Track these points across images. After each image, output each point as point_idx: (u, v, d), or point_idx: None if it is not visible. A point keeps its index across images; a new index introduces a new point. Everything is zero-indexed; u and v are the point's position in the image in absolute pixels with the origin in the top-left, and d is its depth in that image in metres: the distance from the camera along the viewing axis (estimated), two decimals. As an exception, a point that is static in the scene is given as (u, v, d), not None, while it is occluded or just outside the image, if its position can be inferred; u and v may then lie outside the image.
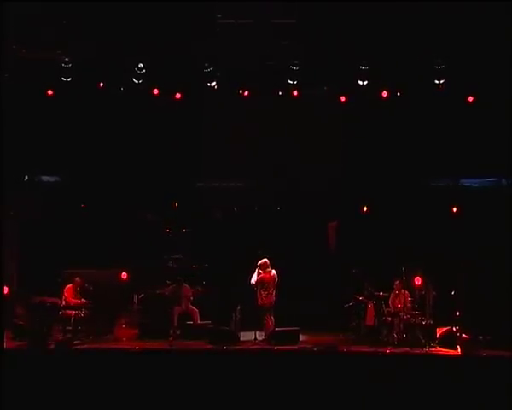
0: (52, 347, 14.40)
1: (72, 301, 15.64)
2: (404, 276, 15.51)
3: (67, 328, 15.41)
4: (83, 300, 15.77)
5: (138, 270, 17.43)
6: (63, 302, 15.61)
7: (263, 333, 15.50)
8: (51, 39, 16.13)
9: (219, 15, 15.80)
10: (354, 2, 15.24)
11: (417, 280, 15.78)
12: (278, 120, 18.38)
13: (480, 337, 14.76)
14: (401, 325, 15.15)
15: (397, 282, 15.65)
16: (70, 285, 15.81)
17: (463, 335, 14.71)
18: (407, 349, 14.60)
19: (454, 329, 14.92)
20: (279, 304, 15.77)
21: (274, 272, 15.62)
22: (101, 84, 17.19)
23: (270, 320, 15.53)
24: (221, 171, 18.93)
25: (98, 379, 13.12)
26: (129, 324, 16.83)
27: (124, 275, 17.16)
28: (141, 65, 16.60)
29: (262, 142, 18.49)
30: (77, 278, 15.87)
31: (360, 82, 16.59)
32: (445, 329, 15.13)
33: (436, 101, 17.22)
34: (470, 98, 17.04)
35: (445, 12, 15.17)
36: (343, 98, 17.74)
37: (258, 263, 15.63)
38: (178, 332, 15.85)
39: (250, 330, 15.45)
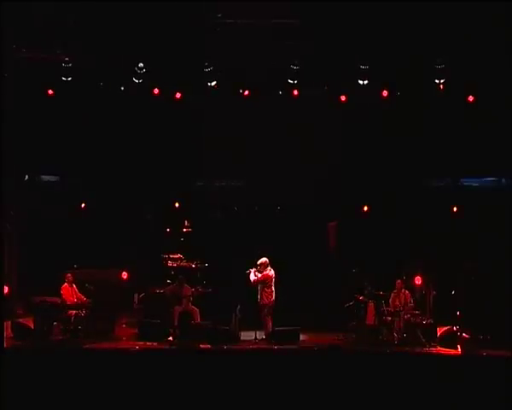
0: (52, 347, 14.39)
1: (70, 299, 15.64)
2: (405, 275, 15.51)
3: (68, 328, 15.40)
4: (81, 295, 15.77)
5: (138, 270, 17.43)
6: (61, 302, 15.58)
7: (263, 333, 15.49)
8: (51, 39, 16.13)
9: (219, 15, 15.81)
10: (354, 3, 15.25)
11: (417, 280, 15.81)
12: (278, 119, 18.36)
13: (480, 337, 14.78)
14: (401, 325, 15.16)
15: (398, 281, 15.65)
16: (65, 284, 15.82)
17: (464, 334, 14.73)
18: (407, 349, 14.61)
19: (454, 328, 14.95)
20: (279, 304, 15.77)
21: (273, 271, 15.63)
22: (102, 84, 17.19)
23: (270, 320, 15.54)
24: (221, 170, 18.94)
25: (98, 379, 13.11)
26: (129, 323, 16.87)
27: (124, 275, 17.16)
28: (141, 64, 16.59)
29: (262, 141, 18.47)
30: (68, 275, 15.87)
31: (360, 82, 16.59)
32: (445, 328, 15.15)
33: (436, 101, 17.22)
34: (470, 98, 17.03)
35: (445, 12, 15.17)
36: (343, 98, 17.72)
37: (258, 262, 15.64)
38: (178, 332, 15.85)
39: (250, 330, 15.44)
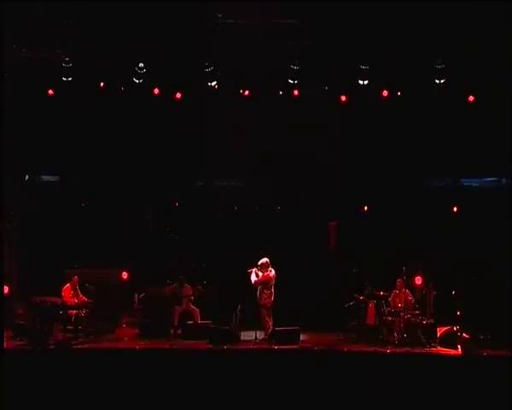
0: (52, 347, 14.41)
1: (70, 300, 15.61)
2: (405, 275, 15.51)
3: (68, 327, 15.41)
4: (82, 297, 15.74)
5: (138, 270, 17.44)
6: (61, 302, 15.57)
7: (263, 333, 15.49)
8: (51, 39, 16.13)
9: (219, 15, 15.81)
10: (354, 3, 15.25)
11: (418, 280, 15.80)
12: (278, 119, 18.34)
13: (481, 337, 14.78)
14: (402, 325, 15.15)
15: (399, 281, 15.65)
16: (68, 285, 15.79)
17: (464, 334, 14.73)
18: (408, 349, 14.59)
19: (454, 328, 14.94)
20: (279, 304, 15.77)
21: (273, 271, 15.64)
22: (102, 84, 17.19)
23: (270, 320, 15.54)
24: (221, 170, 18.95)
25: (98, 379, 13.13)
26: (129, 323, 16.88)
27: (124, 274, 17.18)
28: (141, 64, 16.60)
29: (262, 141, 18.47)
30: (75, 277, 15.85)
31: (360, 82, 16.59)
32: (445, 328, 15.13)
33: (436, 101, 17.23)
34: (470, 98, 17.04)
35: (445, 12, 15.18)
36: (343, 98, 17.72)
37: (259, 263, 15.63)
38: (179, 332, 15.86)
39: (250, 330, 15.44)
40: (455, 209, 18.44)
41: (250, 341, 15.19)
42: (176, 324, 15.90)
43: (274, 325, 15.49)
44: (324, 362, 13.80)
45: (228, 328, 15.34)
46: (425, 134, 17.90)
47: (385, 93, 17.27)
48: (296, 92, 17.29)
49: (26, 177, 18.87)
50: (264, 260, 15.63)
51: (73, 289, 15.79)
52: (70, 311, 15.41)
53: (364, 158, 18.49)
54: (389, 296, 15.77)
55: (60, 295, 15.66)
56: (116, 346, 14.97)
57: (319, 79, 17.18)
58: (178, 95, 17.72)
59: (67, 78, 16.63)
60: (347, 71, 16.57)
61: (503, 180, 18.28)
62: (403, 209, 18.24)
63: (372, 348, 14.67)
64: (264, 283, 15.53)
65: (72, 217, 18.64)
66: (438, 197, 18.52)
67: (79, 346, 14.63)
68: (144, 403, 13.08)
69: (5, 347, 13.35)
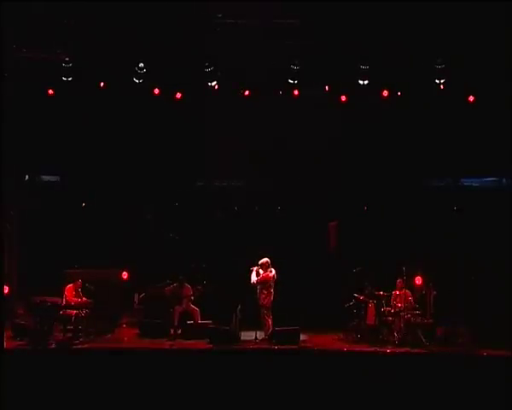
0: (52, 346, 14.41)
1: (73, 300, 15.59)
2: (405, 275, 15.51)
3: (68, 327, 15.40)
4: (84, 298, 15.73)
5: (138, 270, 17.43)
6: (63, 302, 15.57)
7: (263, 333, 15.49)
8: (51, 39, 16.14)
9: (219, 15, 15.82)
10: (354, 3, 15.25)
11: (418, 280, 15.81)
12: (278, 119, 18.34)
13: (481, 337, 14.77)
14: (402, 325, 15.16)
15: (399, 280, 15.65)
16: (71, 285, 15.77)
17: (464, 334, 14.72)
18: (408, 349, 14.61)
19: (454, 328, 14.93)
20: (279, 304, 15.77)
21: (274, 271, 15.63)
22: (102, 84, 17.19)
23: (270, 320, 15.54)
24: (221, 170, 18.94)
25: (99, 379, 13.13)
26: (129, 323, 16.88)
27: (124, 274, 17.17)
28: (141, 64, 16.60)
29: (262, 141, 18.47)
30: (79, 281, 15.80)
31: (360, 82, 16.59)
32: (445, 328, 15.14)
33: (436, 101, 17.23)
34: (471, 98, 17.04)
35: (445, 12, 15.18)
36: (343, 98, 17.72)
37: (260, 262, 15.63)
38: (179, 332, 15.86)
39: (250, 330, 15.44)
40: (455, 209, 18.45)
41: (250, 341, 15.20)
42: (176, 324, 15.89)
43: (274, 325, 15.48)
44: (324, 362, 13.81)
45: (228, 328, 15.34)
46: (425, 134, 17.91)
47: (385, 93, 17.27)
48: (296, 92, 17.29)
49: (26, 177, 18.88)
50: (265, 259, 15.63)
51: (76, 290, 15.76)
52: (70, 311, 15.40)
53: (364, 158, 18.48)
54: (389, 296, 15.77)
55: (60, 295, 15.64)
56: (116, 346, 14.97)
57: (319, 79, 17.17)
58: (178, 95, 17.73)
59: (67, 78, 16.64)
60: (347, 71, 16.57)
61: (503, 180, 18.29)
62: (403, 209, 18.24)
63: (372, 348, 14.68)
64: (262, 283, 15.53)
65: (73, 217, 18.64)
66: (438, 197, 18.52)
67: (79, 346, 14.64)
68: (144, 403, 13.07)
69: (5, 347, 13.35)
